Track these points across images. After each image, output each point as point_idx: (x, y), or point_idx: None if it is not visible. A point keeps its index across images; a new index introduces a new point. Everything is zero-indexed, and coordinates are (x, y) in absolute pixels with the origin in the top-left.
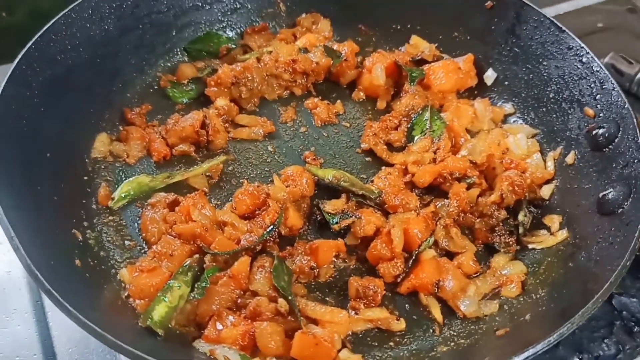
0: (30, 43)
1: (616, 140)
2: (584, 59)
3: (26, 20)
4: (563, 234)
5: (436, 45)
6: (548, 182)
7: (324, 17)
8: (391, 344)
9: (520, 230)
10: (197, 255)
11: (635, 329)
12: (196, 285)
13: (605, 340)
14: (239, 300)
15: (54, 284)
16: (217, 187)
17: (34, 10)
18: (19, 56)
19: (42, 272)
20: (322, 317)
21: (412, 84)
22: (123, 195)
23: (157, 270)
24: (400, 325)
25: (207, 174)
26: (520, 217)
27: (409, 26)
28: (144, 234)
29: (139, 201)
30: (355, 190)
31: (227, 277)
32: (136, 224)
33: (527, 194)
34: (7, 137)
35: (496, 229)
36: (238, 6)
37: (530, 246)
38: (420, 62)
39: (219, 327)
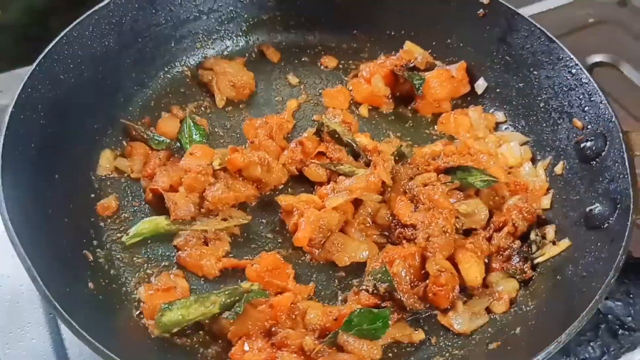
0: (34, 65)
1: (603, 154)
2: (573, 70)
3: (21, 19)
4: (565, 242)
5: (429, 51)
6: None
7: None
8: (390, 355)
9: (534, 248)
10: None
11: (619, 332)
12: (235, 305)
13: (591, 343)
14: (273, 329)
15: (72, 313)
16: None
17: (29, 9)
18: (24, 80)
19: (60, 302)
20: (358, 353)
21: (418, 91)
22: (139, 232)
23: (171, 291)
24: (419, 335)
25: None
26: (532, 236)
27: (402, 32)
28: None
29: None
30: None
31: (267, 305)
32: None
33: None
34: (17, 162)
35: (512, 256)
36: (234, 15)
37: (536, 261)
38: (412, 69)
39: (246, 348)
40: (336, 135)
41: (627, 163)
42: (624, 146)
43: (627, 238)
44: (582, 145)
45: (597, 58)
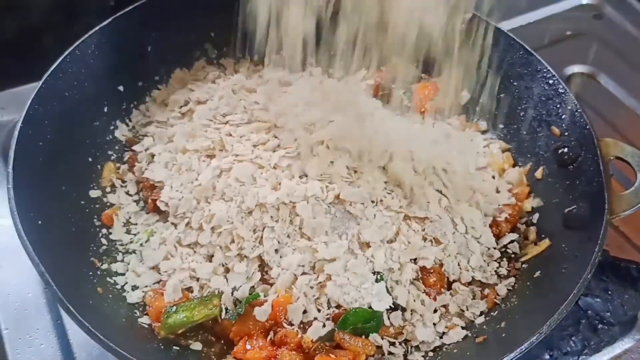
0: (41, 82)
1: (579, 159)
2: (551, 81)
3: (16, 37)
4: (546, 242)
5: (415, 65)
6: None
7: None
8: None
9: (517, 248)
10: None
11: (599, 327)
12: (237, 307)
13: (573, 338)
14: (274, 328)
15: (84, 314)
16: None
17: (24, 27)
18: (32, 96)
19: (72, 304)
20: (354, 349)
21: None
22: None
23: None
24: None
25: None
26: (515, 237)
27: None
28: None
29: None
30: None
31: (267, 305)
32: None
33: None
34: (26, 175)
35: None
36: None
37: (519, 260)
38: None
39: (248, 346)
40: None
41: (601, 167)
42: (598, 151)
43: (602, 237)
44: (559, 151)
45: (575, 69)
